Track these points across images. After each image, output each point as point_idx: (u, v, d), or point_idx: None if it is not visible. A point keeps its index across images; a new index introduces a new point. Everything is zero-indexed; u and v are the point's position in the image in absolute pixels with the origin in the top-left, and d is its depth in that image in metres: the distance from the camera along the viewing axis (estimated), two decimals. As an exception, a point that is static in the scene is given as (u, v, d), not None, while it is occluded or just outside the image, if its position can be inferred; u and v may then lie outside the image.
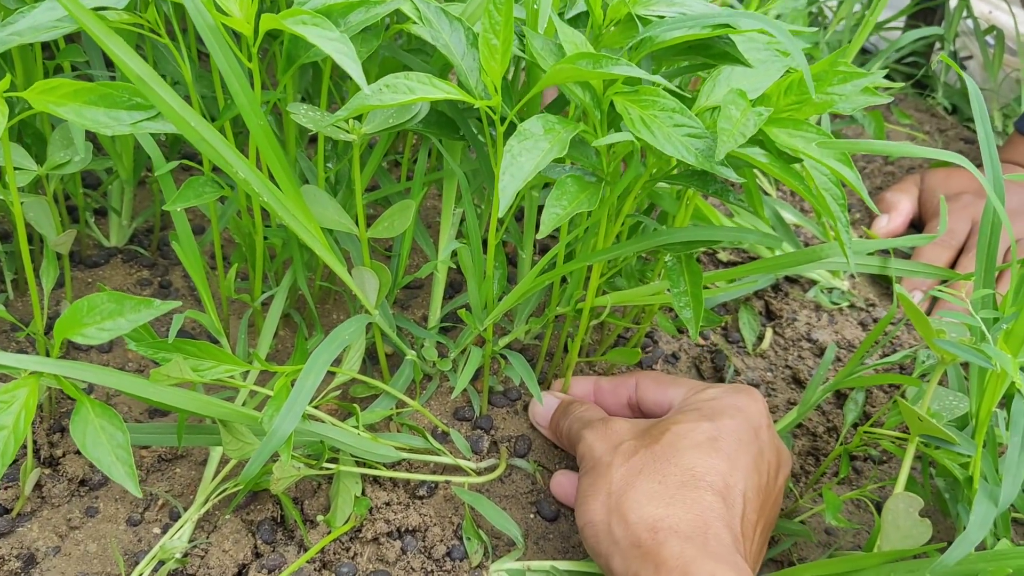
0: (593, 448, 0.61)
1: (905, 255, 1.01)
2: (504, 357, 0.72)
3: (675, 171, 0.57)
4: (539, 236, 0.51)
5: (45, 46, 0.73)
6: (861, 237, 1.03)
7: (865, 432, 0.67)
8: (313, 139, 0.94)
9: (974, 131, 0.67)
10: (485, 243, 0.65)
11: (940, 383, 0.63)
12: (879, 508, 0.66)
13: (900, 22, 1.42)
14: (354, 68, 0.50)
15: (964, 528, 0.53)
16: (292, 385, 0.56)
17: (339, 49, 0.50)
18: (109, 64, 0.82)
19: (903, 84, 1.34)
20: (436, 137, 0.67)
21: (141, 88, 0.49)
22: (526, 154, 0.49)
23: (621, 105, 0.51)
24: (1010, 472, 0.54)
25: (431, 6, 0.57)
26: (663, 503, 0.54)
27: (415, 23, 0.57)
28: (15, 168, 0.63)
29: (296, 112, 0.60)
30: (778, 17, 1.18)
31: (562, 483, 0.67)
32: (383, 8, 0.56)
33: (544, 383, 0.76)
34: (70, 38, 0.71)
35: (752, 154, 0.51)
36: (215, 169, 0.65)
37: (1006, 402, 0.58)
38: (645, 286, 0.62)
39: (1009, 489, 0.53)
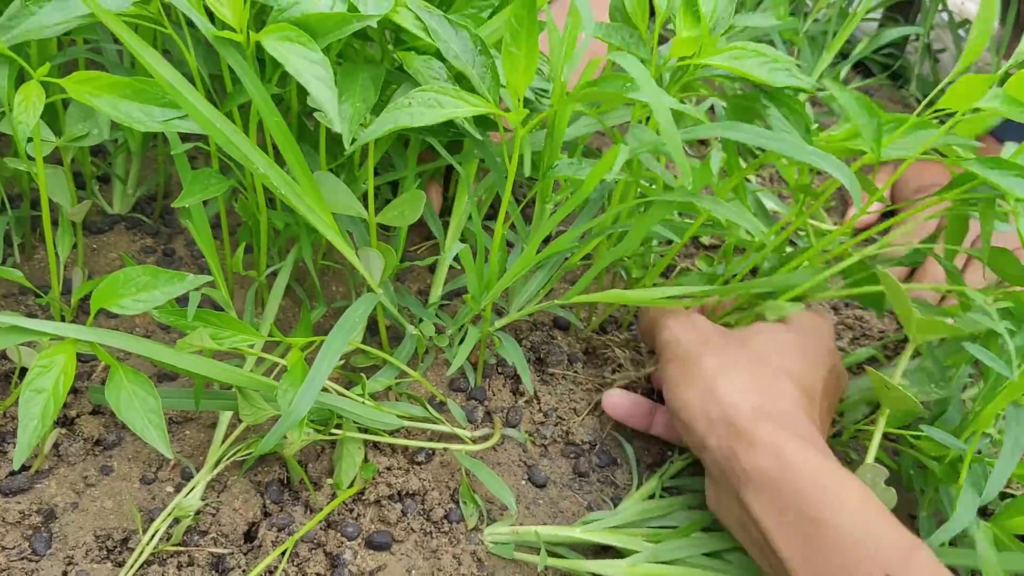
0: (680, 340, 0.66)
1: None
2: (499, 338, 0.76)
3: None
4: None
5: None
6: (836, 224, 1.07)
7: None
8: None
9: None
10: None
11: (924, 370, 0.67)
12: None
13: (877, 13, 1.46)
14: (328, 96, 0.50)
15: (929, 500, 0.57)
16: (302, 352, 0.59)
17: (316, 74, 0.51)
18: (117, 39, 0.84)
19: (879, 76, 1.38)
20: (440, 140, 0.69)
21: (172, 94, 0.51)
22: None
23: None
24: (999, 469, 0.58)
25: (434, 15, 0.58)
26: (758, 394, 0.60)
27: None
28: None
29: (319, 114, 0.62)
30: (759, 4, 1.22)
31: (620, 403, 0.72)
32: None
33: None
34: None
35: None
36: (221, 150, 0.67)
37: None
38: (656, 288, 0.67)
39: (995, 483, 0.57)
